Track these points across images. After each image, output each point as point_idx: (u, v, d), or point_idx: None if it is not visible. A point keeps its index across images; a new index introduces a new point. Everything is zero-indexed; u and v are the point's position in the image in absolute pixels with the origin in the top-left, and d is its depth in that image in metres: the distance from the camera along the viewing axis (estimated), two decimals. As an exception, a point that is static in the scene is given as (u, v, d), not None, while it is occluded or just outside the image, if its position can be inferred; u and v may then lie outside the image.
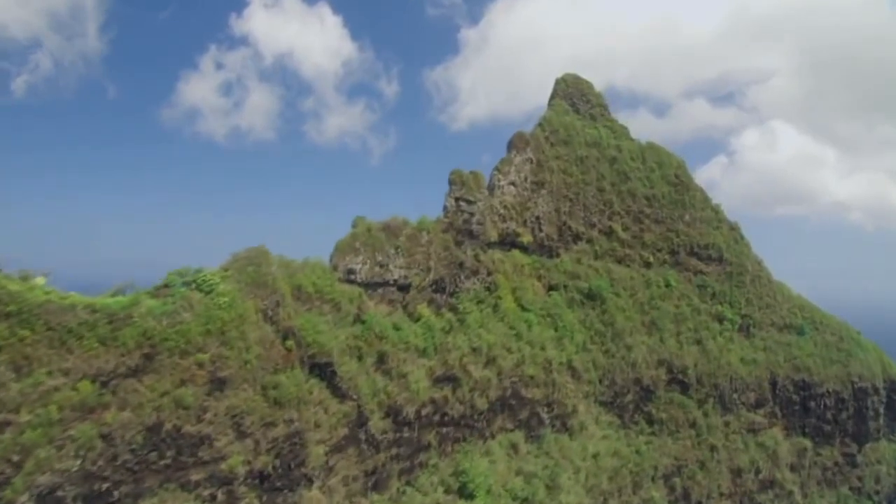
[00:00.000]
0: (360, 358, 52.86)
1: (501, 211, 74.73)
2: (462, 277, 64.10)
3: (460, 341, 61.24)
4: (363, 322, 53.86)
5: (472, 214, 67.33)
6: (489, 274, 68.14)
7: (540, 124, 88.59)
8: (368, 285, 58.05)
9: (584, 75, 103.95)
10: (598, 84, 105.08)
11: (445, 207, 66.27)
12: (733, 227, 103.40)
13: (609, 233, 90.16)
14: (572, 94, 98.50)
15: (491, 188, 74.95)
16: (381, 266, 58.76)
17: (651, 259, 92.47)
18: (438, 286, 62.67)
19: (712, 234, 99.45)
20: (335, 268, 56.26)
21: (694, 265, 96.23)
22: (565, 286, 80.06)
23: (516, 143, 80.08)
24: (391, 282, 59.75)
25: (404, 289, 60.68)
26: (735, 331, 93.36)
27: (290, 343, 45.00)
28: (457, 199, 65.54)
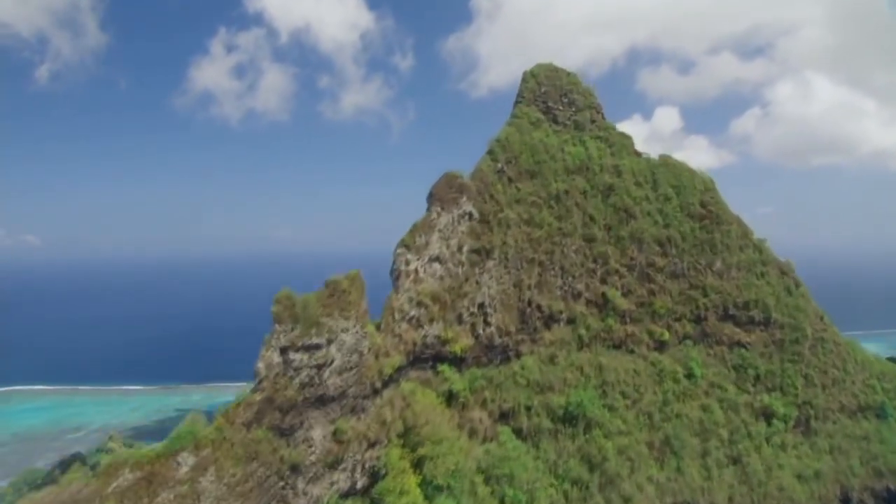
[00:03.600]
0: None
1: (412, 311, 47.15)
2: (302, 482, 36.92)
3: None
4: None
5: (317, 368, 38.76)
6: (371, 447, 40.82)
7: (490, 151, 59.61)
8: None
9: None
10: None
11: (258, 373, 37.27)
12: (785, 271, 73.39)
13: (602, 304, 61.84)
14: (547, 94, 68.59)
15: (395, 278, 47.26)
16: None
17: (665, 335, 63.99)
18: None
19: (755, 285, 69.93)
20: None
21: (729, 334, 67.37)
22: (528, 408, 52.70)
23: (440, 195, 51.70)
24: None
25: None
26: (789, 431, 64.91)
27: None
28: (283, 351, 37.00)
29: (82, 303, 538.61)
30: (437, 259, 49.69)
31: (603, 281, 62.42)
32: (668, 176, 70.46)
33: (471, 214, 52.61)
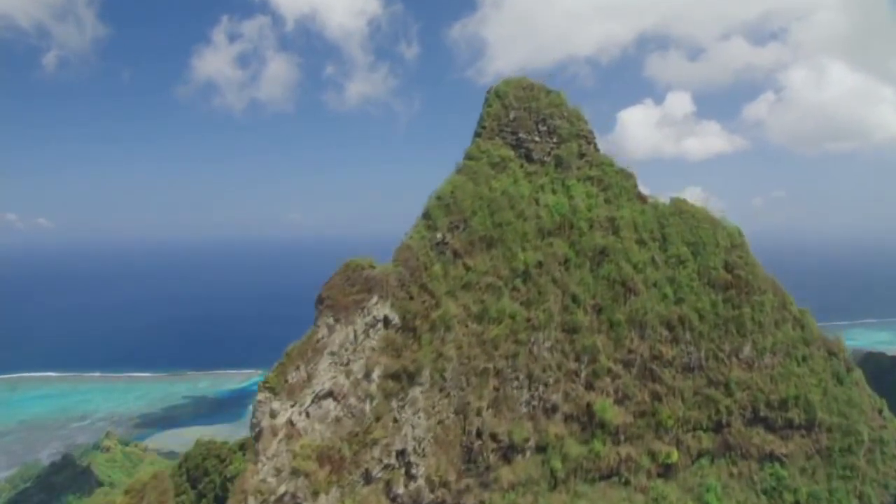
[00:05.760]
0: None
1: (282, 488, 31.06)
2: None
3: None
4: None
5: None
6: None
7: (426, 215, 42.45)
8: None
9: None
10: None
11: None
12: (833, 351, 55.98)
13: (586, 419, 45.29)
14: (518, 121, 50.74)
15: (255, 438, 31.06)
16: None
17: (674, 455, 47.56)
18: None
19: (795, 374, 52.85)
20: None
21: (759, 444, 50.65)
22: None
23: (335, 300, 35.11)
24: None
25: None
26: (839, 579, 48.55)
27: None
28: None
29: (91, 288, 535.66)
30: (330, 395, 33.49)
31: (589, 386, 45.74)
32: (681, 229, 52.83)
33: (386, 320, 36.13)
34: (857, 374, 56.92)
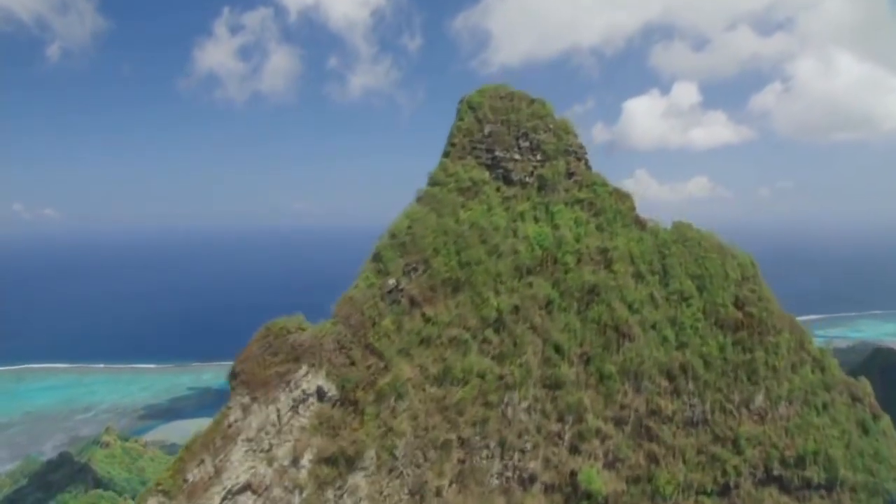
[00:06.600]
0: None
1: None
2: None
3: None
4: None
5: None
6: None
7: (375, 257, 35.78)
8: None
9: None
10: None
11: None
12: (857, 397, 49.14)
13: (570, 490, 38.77)
14: (495, 136, 43.63)
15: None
16: None
17: (673, 525, 40.82)
18: None
19: (814, 426, 46.09)
20: None
21: (773, 507, 43.96)
22: None
23: (251, 375, 28.75)
24: None
25: None
26: None
27: None
28: None
29: (97, 278, 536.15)
30: (248, 488, 27.30)
31: (573, 450, 39.29)
32: (685, 260, 45.79)
33: (320, 393, 29.73)
34: (885, 421, 50.01)
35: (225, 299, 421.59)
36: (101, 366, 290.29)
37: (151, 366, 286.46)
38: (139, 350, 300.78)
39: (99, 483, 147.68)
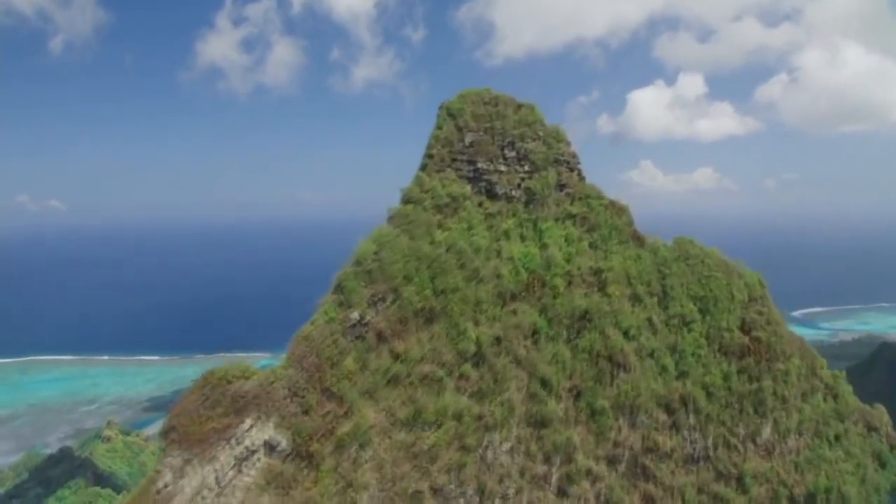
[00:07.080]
0: None
1: None
2: None
3: None
4: None
5: None
6: None
7: (337, 288, 32.09)
8: None
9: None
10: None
11: None
12: (873, 426, 45.40)
13: (556, 537, 35.22)
14: (477, 146, 39.66)
15: None
16: None
17: (669, 574, 37.31)
18: None
19: (826, 460, 42.45)
20: None
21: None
22: None
23: (184, 432, 25.32)
24: None
25: None
26: None
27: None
28: None
29: (102, 270, 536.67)
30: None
31: (561, 494, 35.75)
32: (687, 280, 41.84)
33: (269, 447, 26.22)
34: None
35: (230, 290, 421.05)
36: (106, 357, 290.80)
37: (156, 357, 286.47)
38: (144, 342, 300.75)
39: (100, 478, 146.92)
